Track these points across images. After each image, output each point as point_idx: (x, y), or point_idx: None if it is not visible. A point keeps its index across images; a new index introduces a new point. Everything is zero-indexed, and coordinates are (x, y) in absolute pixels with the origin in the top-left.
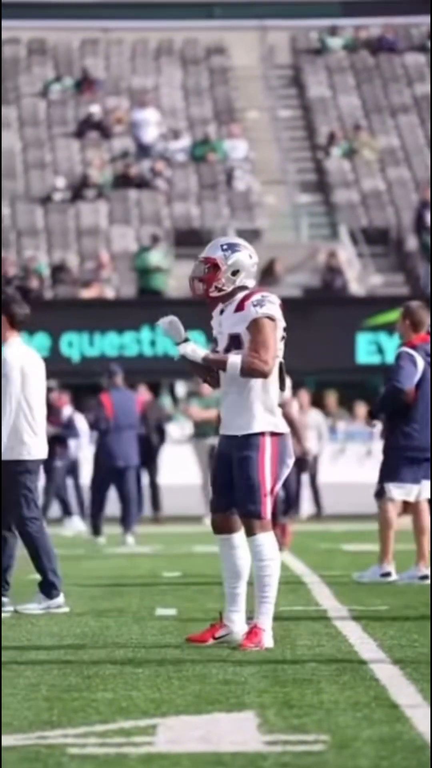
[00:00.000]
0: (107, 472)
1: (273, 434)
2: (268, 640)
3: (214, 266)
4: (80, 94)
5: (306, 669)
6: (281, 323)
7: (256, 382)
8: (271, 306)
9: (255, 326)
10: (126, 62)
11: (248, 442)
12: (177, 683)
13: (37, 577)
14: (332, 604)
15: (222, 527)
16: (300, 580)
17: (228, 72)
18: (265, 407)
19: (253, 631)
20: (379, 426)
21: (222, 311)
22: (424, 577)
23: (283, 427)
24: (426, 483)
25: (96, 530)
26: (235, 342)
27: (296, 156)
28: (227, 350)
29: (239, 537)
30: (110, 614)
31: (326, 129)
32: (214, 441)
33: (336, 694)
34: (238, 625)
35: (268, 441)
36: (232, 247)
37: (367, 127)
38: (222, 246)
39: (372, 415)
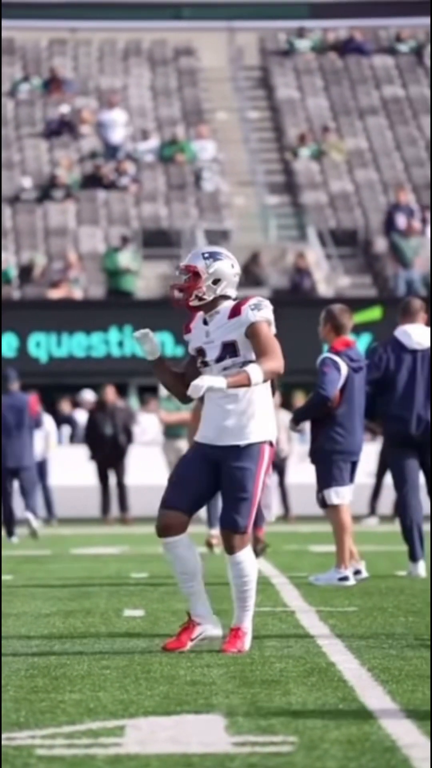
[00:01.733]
0: (3, 473)
1: (270, 444)
2: (248, 643)
3: (194, 275)
4: (48, 94)
5: (274, 670)
6: (273, 329)
7: (254, 391)
8: (267, 310)
9: (258, 329)
10: (94, 62)
11: (248, 452)
12: (145, 684)
13: None
14: (300, 605)
15: (177, 527)
16: (268, 581)
17: (196, 73)
18: (263, 415)
19: (236, 634)
20: (306, 427)
21: (205, 321)
22: (357, 572)
23: (275, 435)
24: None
25: (9, 532)
26: (229, 349)
27: (265, 157)
28: (220, 359)
29: (187, 536)
30: (78, 615)
31: (295, 130)
32: (184, 443)
33: (304, 696)
34: (207, 618)
35: (266, 451)
36: (213, 256)
37: (335, 128)
38: (203, 254)
39: (296, 422)
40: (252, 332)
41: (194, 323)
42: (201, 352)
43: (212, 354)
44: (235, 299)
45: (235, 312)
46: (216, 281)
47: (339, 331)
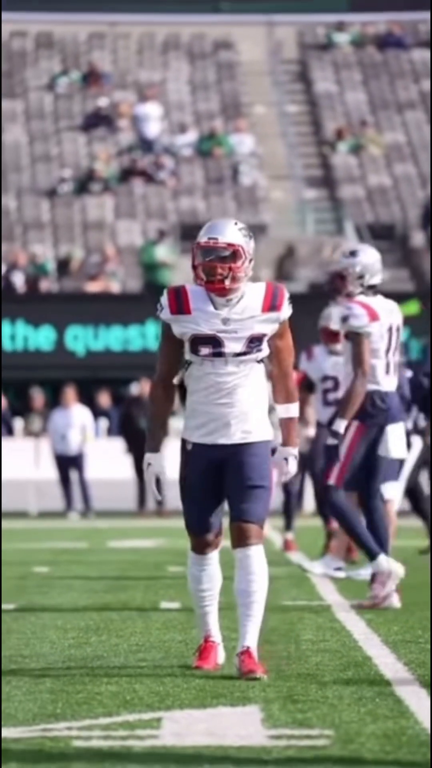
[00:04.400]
0: None
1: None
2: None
3: (235, 253)
4: (87, 87)
5: (310, 664)
6: None
7: (258, 389)
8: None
9: (288, 328)
10: (133, 56)
11: (258, 447)
12: (181, 677)
13: None
14: (336, 599)
15: (215, 543)
16: (304, 574)
17: (235, 67)
18: (265, 415)
19: (250, 657)
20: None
21: (214, 304)
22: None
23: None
24: None
25: None
26: (255, 344)
27: (302, 151)
28: (244, 353)
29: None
30: (114, 608)
31: (333, 124)
32: None
33: (340, 689)
34: (219, 640)
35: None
36: (248, 231)
37: (373, 122)
38: (239, 228)
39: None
40: (284, 329)
41: (193, 303)
42: (212, 341)
43: (233, 346)
44: (262, 284)
45: (271, 304)
46: (251, 261)
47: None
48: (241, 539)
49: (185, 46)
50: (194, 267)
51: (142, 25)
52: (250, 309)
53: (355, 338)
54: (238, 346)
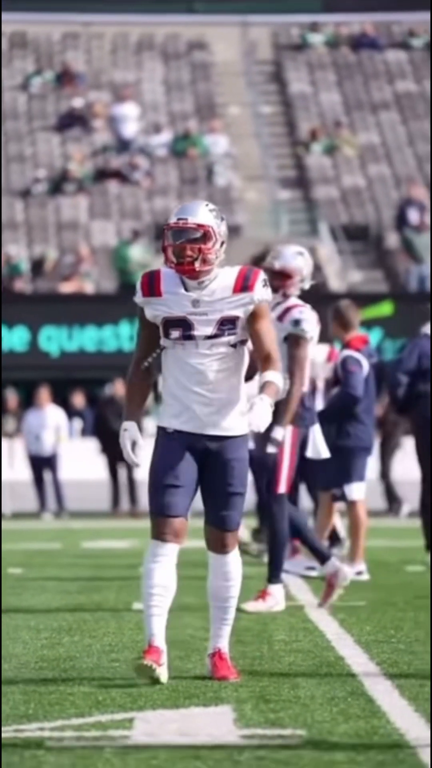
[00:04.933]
0: None
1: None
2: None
3: (206, 234)
4: (61, 87)
5: (283, 664)
6: None
7: (237, 380)
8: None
9: (266, 310)
10: (107, 56)
11: (241, 444)
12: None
13: None
14: (309, 599)
15: (182, 534)
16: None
17: (209, 67)
18: (244, 403)
19: (222, 660)
20: None
21: (185, 286)
22: (359, 573)
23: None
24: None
25: None
26: (227, 326)
27: (277, 152)
28: (215, 336)
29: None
30: (87, 608)
31: (307, 125)
32: None
33: (312, 689)
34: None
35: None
36: (219, 212)
37: (347, 123)
38: (210, 209)
39: (325, 423)
40: (260, 312)
41: (164, 285)
42: (183, 323)
43: (204, 329)
44: (239, 267)
45: (243, 285)
46: (222, 243)
47: (347, 327)
48: (217, 546)
49: (159, 46)
50: (164, 249)
51: (116, 26)
52: (221, 290)
53: (301, 342)
54: (209, 329)
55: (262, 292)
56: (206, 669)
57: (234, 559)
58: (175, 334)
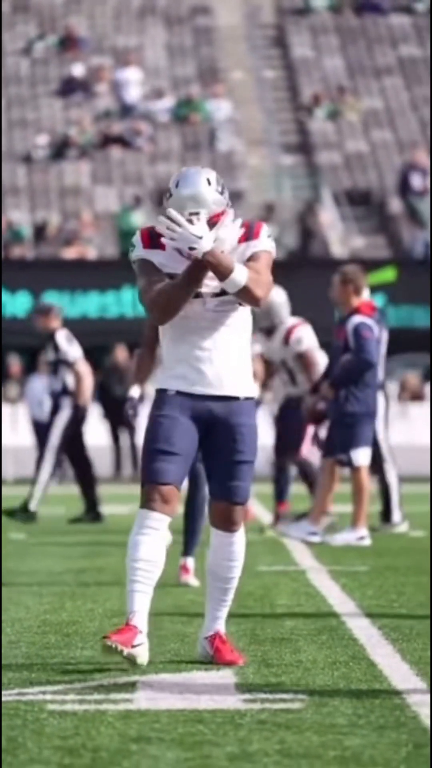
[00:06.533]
0: None
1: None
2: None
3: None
4: (64, 52)
5: (285, 628)
6: None
7: (241, 339)
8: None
9: (265, 257)
10: (109, 21)
11: (249, 407)
12: (156, 641)
13: None
14: (312, 564)
15: (175, 504)
16: (280, 540)
17: (212, 32)
18: (249, 368)
19: (224, 643)
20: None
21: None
22: (361, 538)
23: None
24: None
25: None
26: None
27: (279, 117)
28: (225, 292)
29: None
30: (90, 573)
31: (310, 90)
32: None
33: (314, 653)
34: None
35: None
36: (222, 184)
37: (351, 88)
38: (217, 189)
39: (336, 387)
40: (257, 257)
41: (167, 240)
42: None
43: (212, 285)
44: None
45: (248, 236)
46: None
47: (358, 291)
48: (225, 523)
49: (162, 11)
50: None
51: None
52: (228, 245)
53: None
54: (216, 284)
55: (266, 241)
56: (200, 650)
57: (240, 540)
58: None
